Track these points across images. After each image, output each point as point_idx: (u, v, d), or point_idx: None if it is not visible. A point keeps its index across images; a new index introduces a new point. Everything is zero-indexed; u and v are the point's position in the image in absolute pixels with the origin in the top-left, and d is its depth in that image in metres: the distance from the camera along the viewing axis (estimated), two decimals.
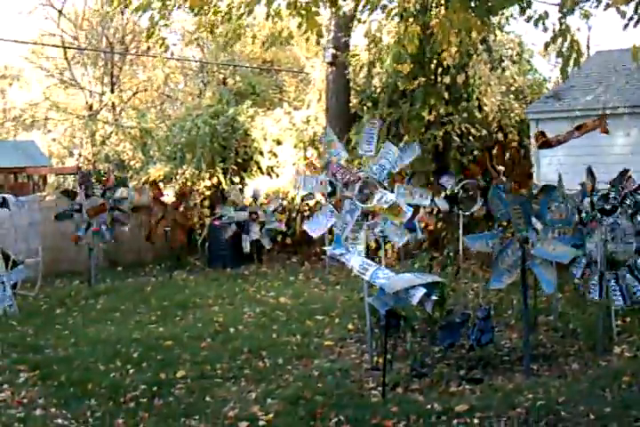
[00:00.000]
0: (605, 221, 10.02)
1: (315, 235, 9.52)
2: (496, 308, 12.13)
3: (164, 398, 8.60)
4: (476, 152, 19.40)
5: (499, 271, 8.71)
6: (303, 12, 9.63)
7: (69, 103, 37.53)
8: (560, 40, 10.98)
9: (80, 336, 11.74)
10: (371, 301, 8.04)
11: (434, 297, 8.09)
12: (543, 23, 11.55)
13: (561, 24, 10.91)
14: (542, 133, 10.56)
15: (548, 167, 17.83)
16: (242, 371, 9.51)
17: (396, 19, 14.80)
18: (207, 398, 8.48)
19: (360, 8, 12.62)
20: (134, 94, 36.60)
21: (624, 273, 9.64)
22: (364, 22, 16.12)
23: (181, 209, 19.07)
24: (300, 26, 10.05)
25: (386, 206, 8.87)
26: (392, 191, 9.38)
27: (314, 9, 9.57)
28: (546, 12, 11.69)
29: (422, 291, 7.60)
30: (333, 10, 20.27)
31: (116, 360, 10.16)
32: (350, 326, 11.47)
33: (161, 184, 21.62)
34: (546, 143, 10.83)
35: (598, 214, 10.06)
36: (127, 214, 17.50)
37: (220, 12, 13.21)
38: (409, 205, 9.43)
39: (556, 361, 9.44)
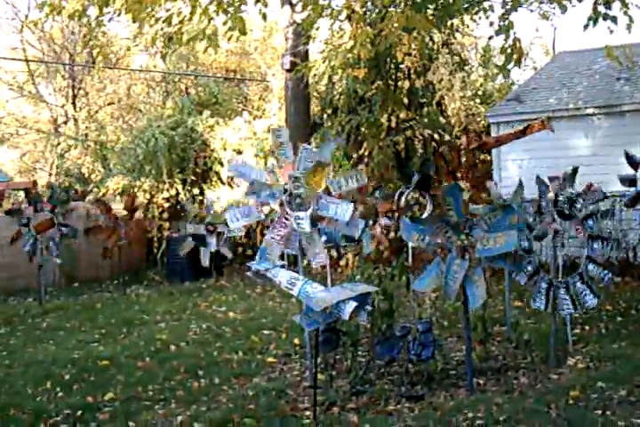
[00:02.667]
0: (562, 225, 9.60)
1: (232, 226, 8.98)
2: (450, 319, 11.70)
3: (86, 424, 8.03)
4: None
5: (447, 288, 8.16)
6: (229, 9, 9.20)
7: (35, 118, 36.94)
8: (504, 37, 10.63)
9: (17, 357, 11.19)
10: (297, 320, 7.49)
11: (368, 307, 7.59)
12: (487, 17, 11.23)
13: (504, 20, 10.53)
14: (478, 135, 10.11)
15: (511, 171, 17.44)
16: (174, 392, 8.95)
17: (346, 22, 14.36)
18: (131, 424, 7.93)
19: (308, 11, 12.24)
20: (100, 108, 36.06)
21: (575, 281, 9.14)
22: (317, 29, 15.62)
23: (133, 221, 18.49)
24: (225, 23, 9.60)
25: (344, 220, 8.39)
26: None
27: (240, 7, 9.15)
28: (491, 6, 11.36)
29: (353, 304, 7.08)
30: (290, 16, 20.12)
31: (47, 382, 9.58)
32: (297, 341, 10.93)
33: (117, 198, 21.20)
34: (483, 145, 10.39)
35: (557, 218, 9.62)
36: (76, 229, 16.89)
37: (159, 18, 12.69)
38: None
39: (505, 375, 8.94)
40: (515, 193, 10.61)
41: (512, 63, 10.70)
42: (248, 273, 7.77)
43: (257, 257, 8.31)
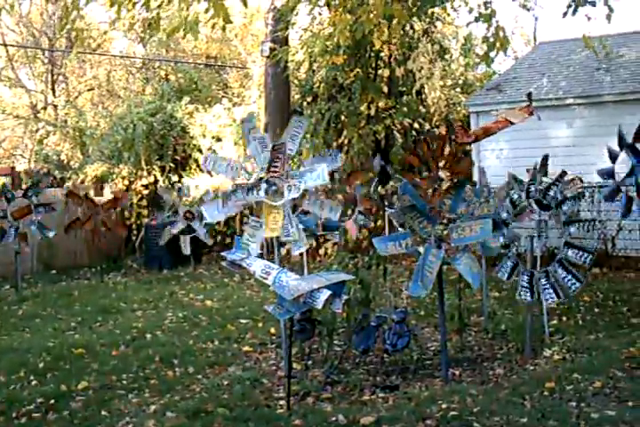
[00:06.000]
0: (541, 215, 9.58)
1: (210, 219, 8.80)
2: (427, 308, 11.67)
3: (59, 412, 7.96)
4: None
5: (425, 278, 8.05)
6: None
7: (15, 103, 36.62)
8: (486, 26, 10.57)
9: None
10: (270, 310, 7.41)
11: (344, 296, 7.53)
12: (467, 3, 11.15)
13: (486, 8, 10.47)
14: (463, 128, 10.01)
15: (490, 161, 17.42)
16: (148, 381, 8.89)
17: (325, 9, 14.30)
18: (103, 413, 7.85)
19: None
20: (80, 94, 35.80)
21: (554, 268, 9.11)
22: (297, 14, 15.54)
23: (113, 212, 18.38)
24: (207, 11, 9.47)
25: (296, 195, 8.20)
26: None
27: None
28: None
29: (327, 293, 7.03)
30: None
31: (21, 371, 9.50)
32: (273, 330, 10.88)
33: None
34: (475, 139, 10.25)
35: (535, 207, 9.58)
36: (53, 207, 16.73)
37: (137, 2, 12.54)
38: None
39: (481, 365, 8.92)
40: (481, 181, 10.60)
41: (495, 51, 10.62)
42: (223, 263, 7.71)
43: (234, 246, 8.21)
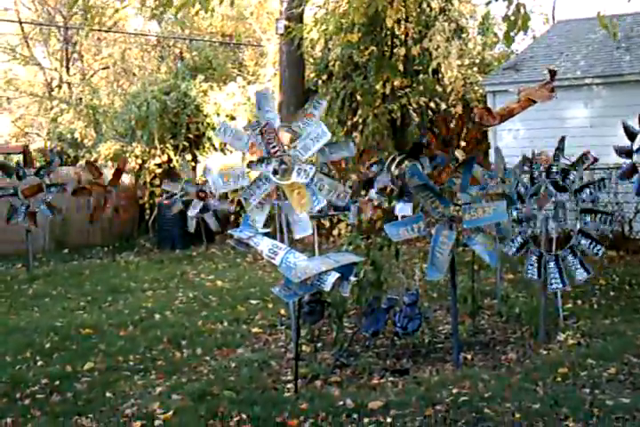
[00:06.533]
0: (557, 198, 9.36)
1: (216, 190, 8.62)
2: (440, 290, 11.48)
3: (63, 393, 7.84)
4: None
5: (438, 262, 7.85)
6: None
7: (30, 81, 36.47)
8: (506, 3, 10.29)
9: None
10: (276, 291, 7.25)
11: (352, 278, 7.36)
12: None
13: None
14: (487, 109, 9.77)
15: (506, 141, 17.17)
16: (155, 363, 8.77)
17: None
18: (108, 394, 7.72)
19: None
20: (95, 72, 35.62)
21: (565, 254, 8.92)
22: None
23: (122, 186, 18.19)
24: None
25: (305, 181, 8.01)
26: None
27: None
28: None
29: (335, 275, 6.86)
30: None
31: (27, 351, 9.44)
32: (283, 312, 10.73)
33: (107, 163, 20.94)
34: (500, 119, 9.98)
35: (552, 189, 9.36)
36: (64, 188, 16.58)
37: None
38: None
39: (494, 350, 8.75)
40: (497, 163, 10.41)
41: (515, 30, 10.34)
42: (230, 241, 7.55)
43: (241, 224, 8.03)
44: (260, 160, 8.26)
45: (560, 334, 9.14)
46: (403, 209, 11.21)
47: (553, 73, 9.74)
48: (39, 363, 8.99)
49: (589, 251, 8.89)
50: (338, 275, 6.86)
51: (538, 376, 7.53)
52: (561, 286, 8.87)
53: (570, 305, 10.50)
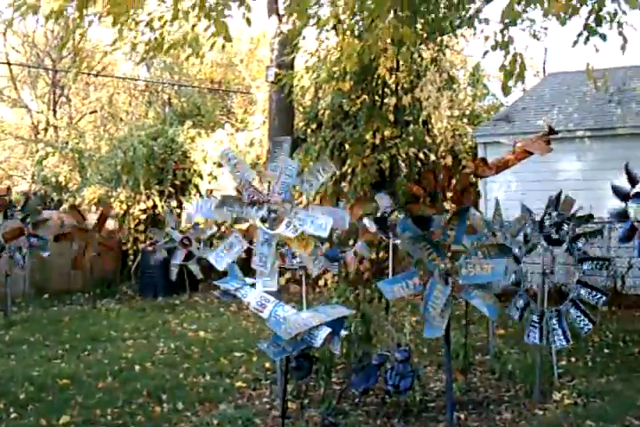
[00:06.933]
0: (551, 252, 9.11)
1: (220, 267, 8.31)
2: (430, 345, 11.14)
3: None
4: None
5: (431, 317, 7.53)
6: (212, 13, 8.68)
7: (16, 124, 36.28)
8: (503, 53, 10.15)
9: None
10: (264, 348, 6.90)
11: (342, 333, 7.05)
12: (482, 31, 10.75)
13: (503, 35, 10.05)
14: (483, 160, 9.56)
15: (497, 194, 16.97)
16: (133, 417, 8.38)
17: (332, 33, 13.91)
18: None
19: (293, 19, 11.80)
20: (83, 116, 35.47)
21: (567, 308, 8.65)
22: (304, 38, 15.14)
23: (105, 231, 17.83)
24: (206, 29, 9.07)
25: (291, 236, 7.72)
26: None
27: (223, 11, 8.61)
28: (486, 19, 10.87)
29: (326, 330, 6.54)
30: (277, 25, 19.66)
31: (0, 402, 9.02)
32: (268, 365, 10.37)
33: (92, 207, 20.64)
34: (487, 170, 9.77)
35: (544, 243, 9.12)
36: (46, 240, 16.22)
37: (140, 22, 12.18)
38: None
39: (488, 409, 8.41)
40: (494, 214, 10.21)
41: (513, 80, 10.19)
42: (215, 292, 7.23)
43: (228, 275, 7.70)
44: (251, 203, 7.98)
45: (555, 393, 8.84)
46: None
47: (551, 129, 9.55)
48: (12, 415, 8.59)
49: (591, 300, 8.63)
50: (329, 330, 6.54)
51: None
52: (565, 342, 8.61)
53: (564, 362, 10.23)
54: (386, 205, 13.24)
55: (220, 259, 7.97)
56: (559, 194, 9.39)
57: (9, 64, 32.48)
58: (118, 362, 11.02)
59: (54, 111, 33.04)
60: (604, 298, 8.72)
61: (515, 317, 8.92)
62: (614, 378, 9.53)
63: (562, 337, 8.58)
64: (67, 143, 26.47)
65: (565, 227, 9.02)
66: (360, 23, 13.23)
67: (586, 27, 10.71)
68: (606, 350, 11.09)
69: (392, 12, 11.03)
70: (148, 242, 19.27)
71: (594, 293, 8.68)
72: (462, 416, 8.12)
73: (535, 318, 8.63)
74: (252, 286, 7.28)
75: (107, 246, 17.65)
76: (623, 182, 10.30)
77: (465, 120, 24.11)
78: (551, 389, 9.02)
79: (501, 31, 10.25)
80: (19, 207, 16.19)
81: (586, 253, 9.41)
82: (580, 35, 10.93)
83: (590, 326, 8.59)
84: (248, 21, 9.34)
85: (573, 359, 10.51)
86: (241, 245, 8.09)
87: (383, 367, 8.11)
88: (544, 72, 28.46)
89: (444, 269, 7.41)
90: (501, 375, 9.68)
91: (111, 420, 8.34)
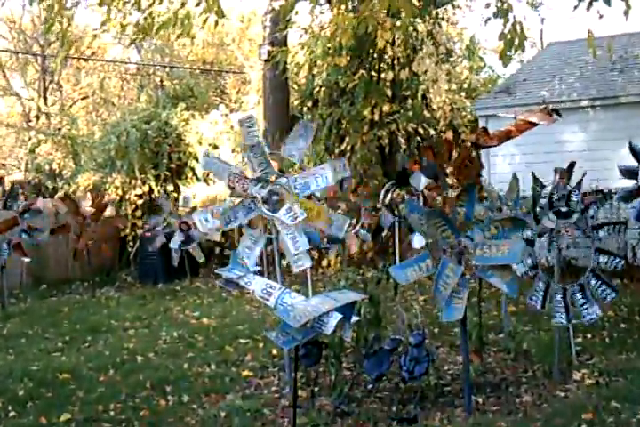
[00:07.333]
0: (563, 225, 8.74)
1: (202, 229, 8.02)
2: (440, 325, 10.77)
3: None
4: None
5: (446, 299, 7.18)
6: None
7: (7, 112, 35.84)
8: (502, 22, 9.76)
9: None
10: (273, 337, 6.52)
11: (354, 318, 6.70)
12: None
13: (502, 2, 9.65)
14: (485, 130, 9.19)
15: (501, 167, 16.64)
16: (137, 412, 8.01)
17: (326, 6, 13.50)
18: None
19: None
20: (74, 102, 35.03)
21: (588, 280, 8.28)
22: (297, 13, 14.69)
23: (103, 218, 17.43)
24: (198, 4, 8.66)
25: (290, 223, 7.43)
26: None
27: None
28: None
29: (337, 317, 6.18)
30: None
31: None
32: (275, 352, 10.01)
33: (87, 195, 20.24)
34: (488, 140, 9.41)
35: (553, 217, 8.76)
36: (40, 230, 15.87)
37: (128, 1, 11.76)
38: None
39: (506, 392, 8.05)
40: (510, 188, 9.88)
41: (513, 49, 9.81)
42: (217, 282, 6.86)
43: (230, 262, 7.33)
44: (257, 180, 7.68)
45: (575, 373, 8.49)
46: (420, 240, 10.59)
47: (547, 108, 9.21)
48: (11, 414, 8.23)
49: (610, 266, 8.29)
50: (340, 316, 6.18)
51: (560, 423, 6.85)
52: (595, 316, 8.25)
53: (580, 339, 9.84)
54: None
55: (206, 222, 7.69)
56: (572, 165, 9.06)
57: (10, 51, 32.03)
58: (120, 353, 10.67)
59: (45, 98, 32.59)
60: (621, 262, 8.39)
61: (536, 305, 8.52)
62: (634, 355, 9.16)
63: (563, 315, 8.25)
64: (59, 130, 26.12)
65: (574, 197, 8.66)
66: None
67: None
68: (622, 325, 10.73)
69: None
70: (145, 227, 18.92)
71: (604, 287, 8.32)
72: (480, 400, 7.75)
73: (559, 297, 8.27)
74: (256, 273, 6.92)
75: (104, 232, 17.34)
76: (627, 159, 10.06)
77: (462, 94, 23.70)
78: (570, 368, 8.67)
79: None
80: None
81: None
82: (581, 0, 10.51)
83: (613, 294, 8.26)
84: None
85: (589, 336, 10.15)
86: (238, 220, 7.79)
87: (396, 352, 7.75)
88: (541, 43, 28.00)
89: (456, 247, 7.04)
90: (517, 355, 9.36)
91: (114, 415, 7.98)
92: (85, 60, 32.55)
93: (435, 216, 7.13)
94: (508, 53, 10.04)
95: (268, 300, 6.50)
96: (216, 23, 9.28)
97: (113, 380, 9.36)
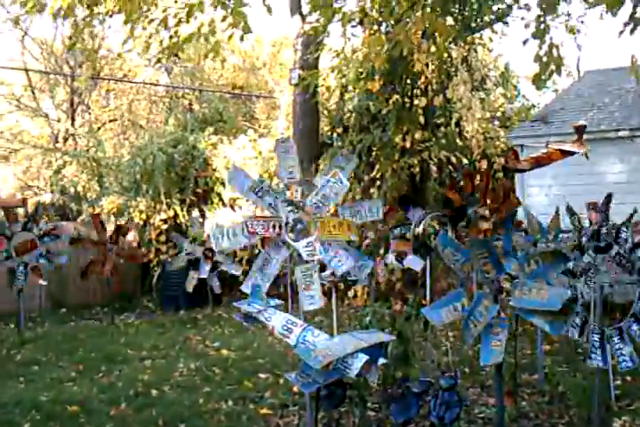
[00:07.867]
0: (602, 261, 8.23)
1: (216, 248, 7.57)
2: (471, 364, 10.23)
3: None
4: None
5: (467, 332, 6.67)
6: (229, 2, 7.89)
7: (35, 133, 35.73)
8: (538, 43, 9.34)
9: None
10: (292, 379, 6.02)
11: (381, 360, 6.19)
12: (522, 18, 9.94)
13: (539, 23, 9.21)
14: (515, 153, 8.76)
15: (537, 198, 16.12)
16: None
17: (358, 28, 13.09)
18: None
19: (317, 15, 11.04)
20: (103, 124, 34.86)
21: (629, 325, 7.69)
22: (328, 35, 14.33)
23: (122, 245, 17.03)
24: (224, 19, 8.26)
25: (307, 258, 6.99)
26: None
27: None
28: (526, 5, 10.05)
29: (363, 359, 5.69)
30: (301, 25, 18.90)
31: None
32: (296, 389, 9.46)
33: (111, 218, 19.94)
34: (517, 163, 8.98)
35: (593, 254, 8.26)
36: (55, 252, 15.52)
37: (154, 19, 11.43)
38: None
39: None
40: (552, 222, 9.41)
41: (548, 73, 9.36)
42: (235, 316, 6.39)
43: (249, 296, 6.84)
44: (290, 202, 7.25)
45: (615, 420, 7.92)
46: (412, 261, 10.16)
47: (579, 128, 8.77)
48: None
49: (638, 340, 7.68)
50: (366, 357, 5.68)
51: None
52: (631, 364, 7.61)
53: (618, 382, 9.25)
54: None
55: (218, 241, 7.21)
56: (609, 196, 8.60)
57: (26, 70, 31.95)
58: (134, 385, 10.20)
59: (72, 119, 32.41)
60: None
61: (574, 336, 7.97)
62: None
63: (627, 358, 7.64)
64: (87, 151, 25.89)
65: (623, 234, 8.14)
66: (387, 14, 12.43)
67: (632, 17, 9.83)
68: None
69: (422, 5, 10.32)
70: (170, 253, 18.58)
71: None
72: None
73: (596, 337, 7.70)
74: (277, 307, 6.43)
75: (124, 257, 16.96)
76: None
77: (496, 122, 23.21)
78: (609, 414, 8.11)
79: (538, 18, 9.41)
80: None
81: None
82: (626, 24, 10.05)
83: (630, 364, 7.58)
84: (269, 9, 8.53)
85: (629, 378, 9.55)
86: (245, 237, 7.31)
87: (425, 396, 7.22)
88: (578, 72, 27.52)
89: (496, 284, 6.53)
90: (552, 398, 8.81)
91: None
92: (114, 81, 32.38)
93: (479, 246, 6.62)
94: (543, 77, 9.60)
95: (288, 337, 6.00)
96: (241, 38, 8.89)
97: (124, 414, 8.89)
